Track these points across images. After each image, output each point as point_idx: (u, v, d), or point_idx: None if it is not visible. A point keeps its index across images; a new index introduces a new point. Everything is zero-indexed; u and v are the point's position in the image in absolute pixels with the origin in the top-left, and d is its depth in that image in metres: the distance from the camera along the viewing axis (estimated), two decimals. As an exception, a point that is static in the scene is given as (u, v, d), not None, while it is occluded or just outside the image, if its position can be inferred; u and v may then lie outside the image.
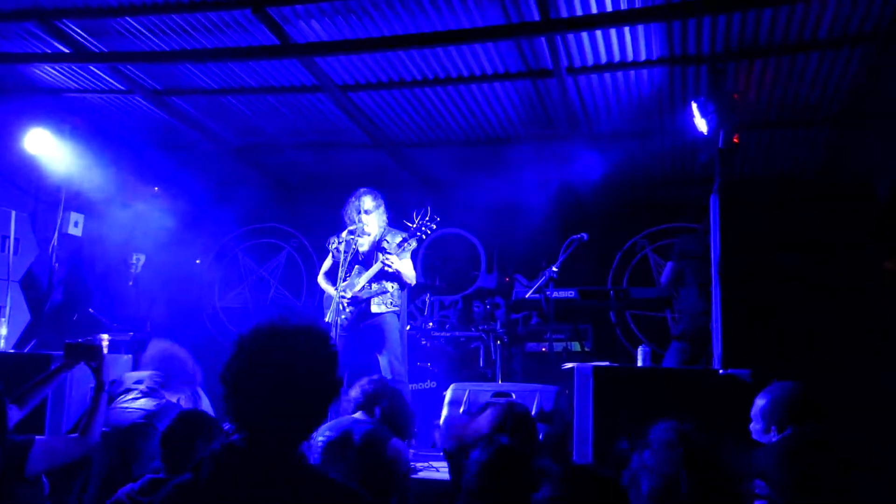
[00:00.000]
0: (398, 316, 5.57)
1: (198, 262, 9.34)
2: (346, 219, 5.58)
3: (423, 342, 7.06)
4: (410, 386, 6.27)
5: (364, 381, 3.89)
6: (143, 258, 7.61)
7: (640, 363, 4.72)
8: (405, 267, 5.48)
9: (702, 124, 4.95)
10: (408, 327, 7.24)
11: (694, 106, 5.02)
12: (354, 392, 3.80)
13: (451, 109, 6.35)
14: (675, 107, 6.03)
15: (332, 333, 5.13)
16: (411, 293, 8.25)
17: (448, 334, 7.19)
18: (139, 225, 7.54)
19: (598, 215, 8.02)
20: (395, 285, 5.54)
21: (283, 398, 1.96)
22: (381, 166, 7.50)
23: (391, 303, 5.51)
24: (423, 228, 5.34)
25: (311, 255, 9.36)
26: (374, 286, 5.48)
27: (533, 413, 4.05)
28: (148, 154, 7.32)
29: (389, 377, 5.21)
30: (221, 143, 7.39)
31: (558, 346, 7.01)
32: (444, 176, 8.05)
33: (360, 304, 5.48)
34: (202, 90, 6.25)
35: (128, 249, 7.53)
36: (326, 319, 5.39)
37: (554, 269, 5.71)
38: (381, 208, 5.59)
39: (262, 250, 9.57)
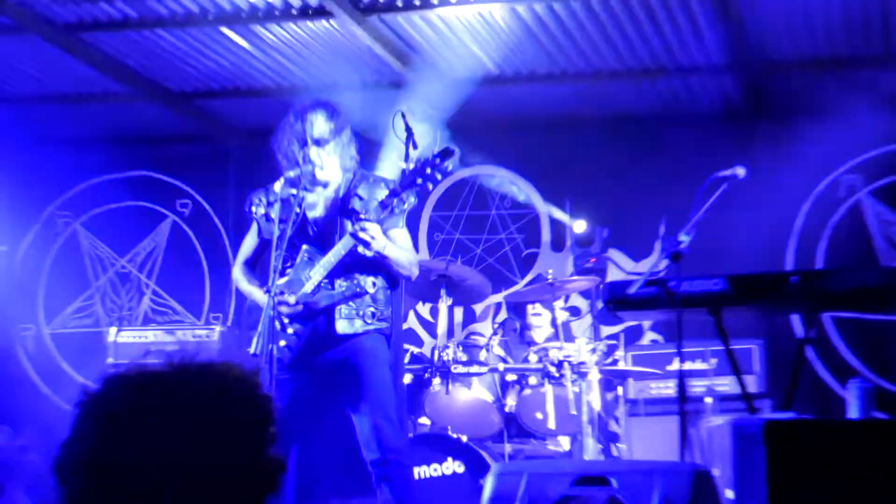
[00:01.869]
0: (388, 338, 5.73)
1: (2, 248, 9.45)
2: (280, 157, 5.75)
3: (437, 386, 7.17)
4: (416, 471, 6.29)
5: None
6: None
7: (854, 411, 4.78)
8: (398, 245, 5.63)
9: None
10: (406, 358, 7.27)
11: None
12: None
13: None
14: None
15: (263, 377, 5.16)
16: (412, 294, 8.34)
17: (484, 370, 7.30)
18: None
19: (761, 134, 8.26)
20: (380, 280, 5.69)
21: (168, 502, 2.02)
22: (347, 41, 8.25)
23: (373, 314, 5.65)
24: (431, 170, 5.40)
25: (216, 229, 9.45)
26: (341, 284, 5.61)
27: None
28: None
29: (375, 455, 5.40)
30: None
31: (695, 385, 7.15)
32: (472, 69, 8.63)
33: (313, 317, 5.61)
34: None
35: None
36: (251, 350, 5.53)
37: (682, 237, 5.71)
38: (348, 134, 5.76)
39: (123, 222, 9.76)
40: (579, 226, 8.99)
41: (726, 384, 7.28)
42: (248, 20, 7.87)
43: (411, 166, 5.44)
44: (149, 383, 2.09)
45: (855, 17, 7.72)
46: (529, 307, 8.23)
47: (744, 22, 7.66)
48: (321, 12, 7.74)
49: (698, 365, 7.41)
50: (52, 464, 2.11)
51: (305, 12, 7.78)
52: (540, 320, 8.11)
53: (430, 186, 5.46)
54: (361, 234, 5.36)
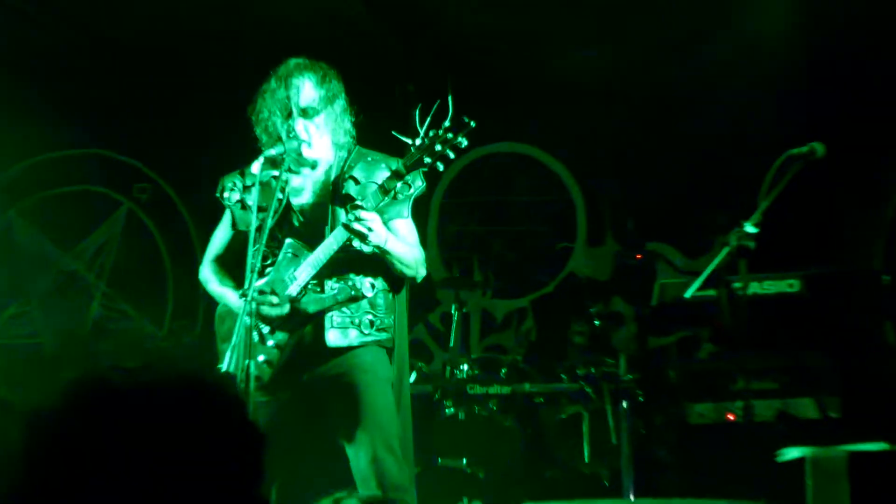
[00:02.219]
0: (389, 352, 5.75)
1: None
2: (259, 131, 5.75)
3: (449, 410, 7.26)
4: (424, 513, 6.29)
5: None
6: None
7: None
8: (403, 238, 5.67)
9: None
10: (412, 376, 7.22)
11: None
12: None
13: None
14: None
15: (241, 399, 5.10)
16: (419, 298, 8.30)
17: (508, 389, 7.34)
18: None
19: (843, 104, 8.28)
20: (380, 282, 5.71)
21: None
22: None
23: (371, 322, 5.66)
24: (441, 147, 5.40)
25: (180, 218, 9.43)
26: (333, 286, 5.62)
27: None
28: None
29: (378, 493, 5.38)
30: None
31: (763, 407, 7.07)
32: (483, 24, 8.66)
33: (300, 326, 5.62)
34: None
35: None
36: (222, 367, 5.49)
37: (749, 228, 5.70)
38: (341, 104, 5.77)
39: (68, 212, 9.78)
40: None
41: (801, 407, 7.23)
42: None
43: (418, 142, 5.40)
44: (118, 405, 2.11)
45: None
46: (562, 314, 8.22)
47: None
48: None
49: (767, 384, 7.37)
50: None
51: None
52: (574, 329, 8.09)
53: (441, 166, 5.42)
54: (357, 225, 5.34)
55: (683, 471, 7.25)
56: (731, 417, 7.10)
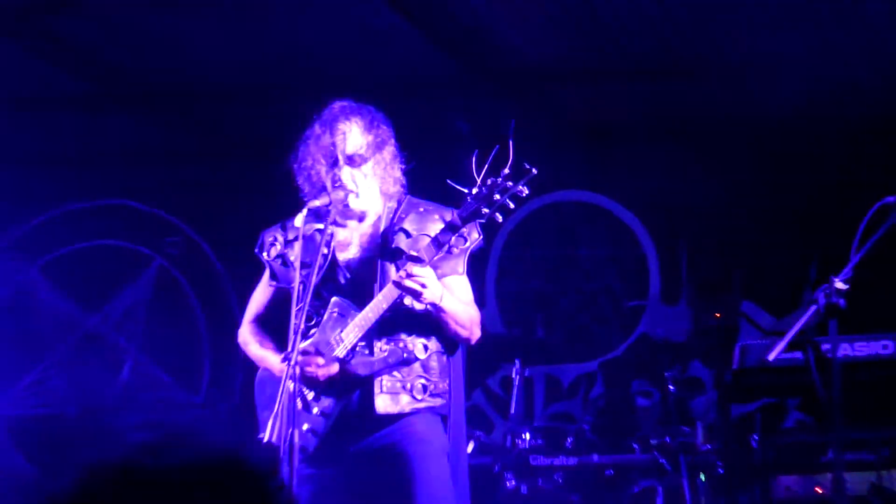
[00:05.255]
0: (445, 420, 5.76)
1: None
2: (302, 181, 5.80)
3: (511, 484, 7.27)
4: None
5: None
6: None
7: None
8: (457, 296, 5.69)
9: None
10: (470, 447, 7.29)
11: None
12: None
13: None
14: None
15: (282, 473, 5.20)
16: (473, 361, 8.33)
17: (574, 461, 7.39)
18: None
19: None
20: (434, 343, 5.74)
21: None
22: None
23: (424, 387, 5.68)
24: (500, 196, 5.45)
25: (216, 274, 9.50)
26: (383, 347, 5.65)
27: None
28: None
29: None
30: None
31: (856, 480, 7.05)
32: (550, 64, 8.64)
33: (347, 392, 5.64)
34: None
35: None
36: (265, 437, 5.46)
37: (839, 284, 5.69)
38: (390, 150, 5.82)
39: (93, 269, 9.86)
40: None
41: (897, 480, 7.24)
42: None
43: (474, 191, 5.44)
44: (147, 486, 2.10)
45: None
46: (634, 380, 8.23)
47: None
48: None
49: (861, 455, 7.34)
50: None
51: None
52: (647, 396, 8.10)
53: (499, 218, 5.48)
54: (409, 282, 5.37)
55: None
56: (819, 491, 7.10)
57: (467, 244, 5.58)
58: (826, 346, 5.81)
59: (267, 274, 5.95)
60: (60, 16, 8.22)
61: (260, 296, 6.02)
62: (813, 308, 5.70)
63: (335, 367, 5.55)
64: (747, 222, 9.00)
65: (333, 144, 5.64)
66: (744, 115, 9.38)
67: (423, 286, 5.38)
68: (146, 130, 9.73)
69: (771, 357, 6.02)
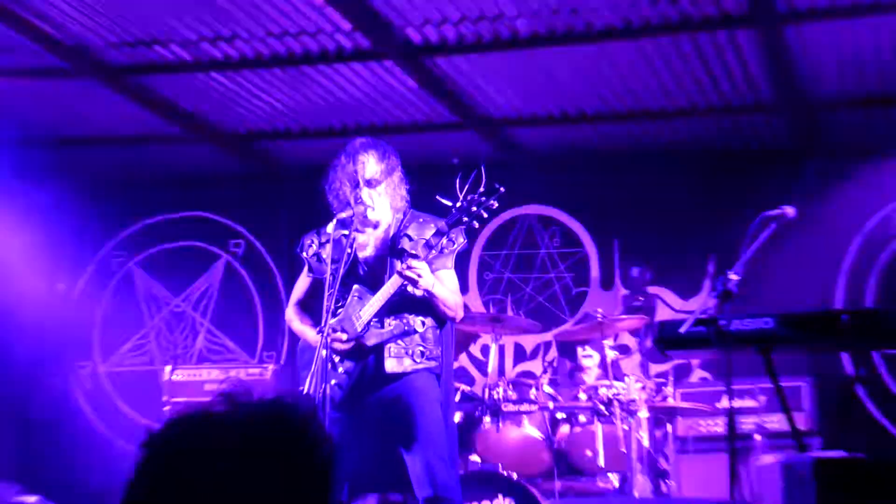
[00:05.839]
0: (438, 377, 5.75)
1: (60, 286, 9.54)
2: (332, 198, 5.79)
3: (488, 424, 7.22)
4: (467, 510, 6.31)
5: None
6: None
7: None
8: (446, 285, 5.67)
9: None
10: (457, 396, 7.30)
11: None
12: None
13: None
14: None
15: (319, 417, 5.20)
16: (459, 333, 8.33)
17: (534, 406, 7.37)
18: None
19: (810, 171, 8.30)
20: (429, 320, 5.72)
21: None
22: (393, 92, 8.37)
23: (422, 352, 5.68)
24: (476, 209, 5.49)
25: (269, 269, 9.61)
26: (390, 322, 5.66)
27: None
28: None
29: (427, 493, 5.43)
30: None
31: (744, 423, 7.16)
32: (513, 106, 8.71)
33: (364, 356, 5.65)
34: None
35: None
36: (304, 390, 5.55)
37: (732, 275, 5.71)
38: (398, 175, 5.80)
39: (177, 263, 9.93)
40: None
41: (776, 422, 7.25)
42: (300, 62, 7.90)
43: (458, 205, 5.48)
44: (214, 425, 2.08)
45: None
46: (579, 346, 8.23)
47: (794, 60, 7.57)
48: (373, 55, 7.78)
49: (747, 402, 7.37)
50: None
51: (357, 55, 7.81)
52: (589, 359, 8.10)
53: (476, 224, 5.52)
54: (408, 273, 5.40)
55: (685, 477, 7.27)
56: (718, 429, 7.09)
57: (455, 246, 5.61)
58: (722, 322, 5.82)
59: (305, 268, 5.97)
60: (157, 76, 8.29)
61: (301, 284, 6.04)
62: (713, 293, 5.77)
63: (352, 344, 5.57)
64: (663, 227, 8.99)
65: (355, 171, 5.64)
66: (663, 149, 9.45)
67: (420, 276, 5.40)
68: (218, 159, 9.74)
69: (683, 330, 6.03)
